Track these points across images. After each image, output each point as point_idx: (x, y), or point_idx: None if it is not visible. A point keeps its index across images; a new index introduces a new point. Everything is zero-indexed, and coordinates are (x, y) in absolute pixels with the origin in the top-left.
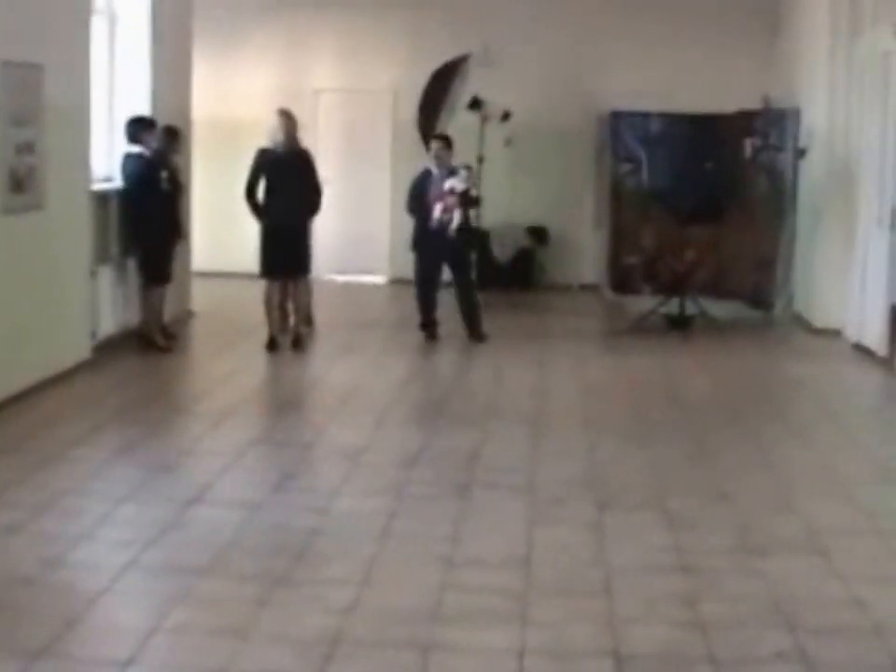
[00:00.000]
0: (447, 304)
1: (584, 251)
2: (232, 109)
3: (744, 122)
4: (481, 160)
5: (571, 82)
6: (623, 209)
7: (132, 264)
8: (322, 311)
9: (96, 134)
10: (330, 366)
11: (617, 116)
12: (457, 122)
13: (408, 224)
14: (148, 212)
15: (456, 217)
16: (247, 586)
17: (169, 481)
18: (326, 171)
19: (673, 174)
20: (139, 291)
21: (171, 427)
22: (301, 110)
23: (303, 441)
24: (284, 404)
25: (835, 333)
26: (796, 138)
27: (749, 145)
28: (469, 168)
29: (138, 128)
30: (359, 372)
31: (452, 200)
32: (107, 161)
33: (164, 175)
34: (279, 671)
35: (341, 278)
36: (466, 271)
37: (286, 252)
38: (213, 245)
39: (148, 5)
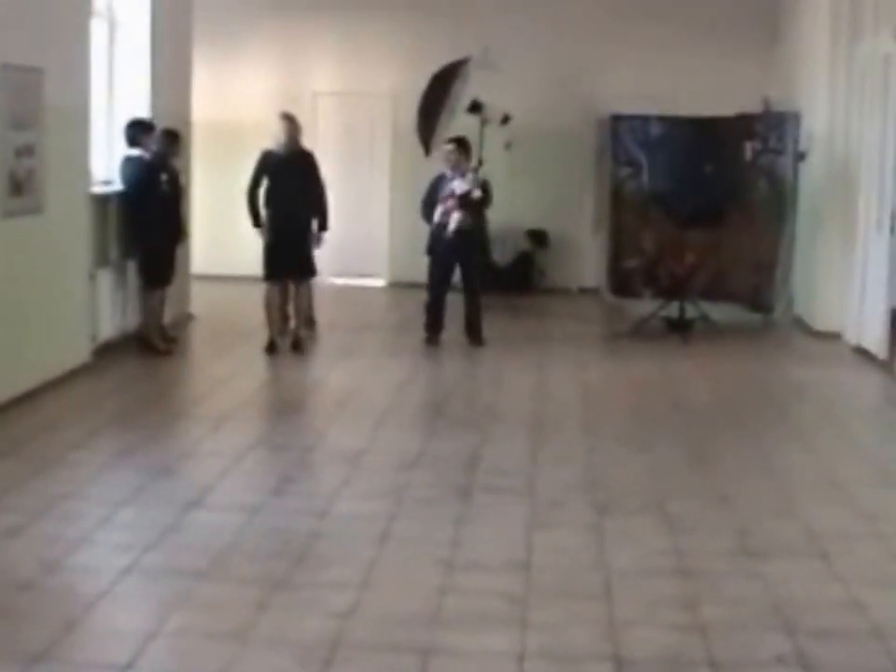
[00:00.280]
0: (448, 306)
1: (584, 254)
2: (232, 112)
3: (744, 125)
4: (480, 163)
5: (571, 85)
6: (622, 212)
7: (131, 267)
8: (322, 314)
9: (96, 137)
10: (330, 369)
11: (617, 119)
12: (457, 125)
13: (408, 227)
14: (148, 215)
15: (454, 220)
16: (247, 590)
17: (169, 484)
18: (325, 174)
19: (673, 177)
20: (139, 294)
21: (170, 430)
22: (301, 113)
23: (303, 444)
24: (283, 407)
25: (835, 336)
26: (796, 141)
27: (749, 148)
28: (475, 170)
29: (138, 131)
30: (359, 375)
31: (452, 202)
32: (107, 164)
33: (164, 177)
34: None
35: (340, 281)
36: (470, 274)
37: (289, 254)
38: (212, 248)
39: (148, 8)
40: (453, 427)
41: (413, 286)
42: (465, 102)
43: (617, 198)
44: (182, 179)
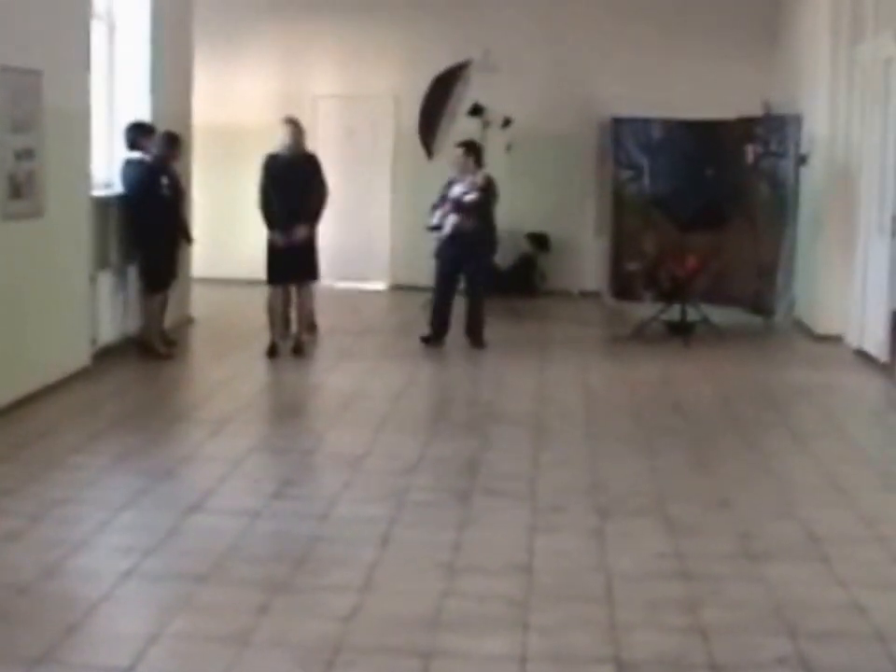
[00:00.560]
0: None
1: (585, 257)
2: (232, 115)
3: (745, 129)
4: (481, 166)
5: (572, 88)
6: (624, 215)
7: (132, 271)
8: (323, 317)
9: (96, 140)
10: (331, 372)
11: (618, 122)
12: (458, 129)
13: (409, 230)
14: (149, 218)
15: (449, 223)
16: (248, 593)
17: (169, 488)
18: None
19: (674, 180)
20: (139, 298)
21: (171, 433)
22: (302, 116)
23: (304, 447)
24: (284, 411)
25: (837, 340)
26: (797, 145)
27: (750, 151)
28: (474, 174)
29: (138, 134)
30: (360, 378)
31: (448, 206)
32: (107, 167)
33: (165, 181)
34: None
35: (341, 284)
36: (474, 276)
37: (292, 258)
38: (212, 251)
39: (148, 10)
40: (454, 431)
41: (414, 289)
42: (466, 105)
43: (618, 201)
44: (182, 182)
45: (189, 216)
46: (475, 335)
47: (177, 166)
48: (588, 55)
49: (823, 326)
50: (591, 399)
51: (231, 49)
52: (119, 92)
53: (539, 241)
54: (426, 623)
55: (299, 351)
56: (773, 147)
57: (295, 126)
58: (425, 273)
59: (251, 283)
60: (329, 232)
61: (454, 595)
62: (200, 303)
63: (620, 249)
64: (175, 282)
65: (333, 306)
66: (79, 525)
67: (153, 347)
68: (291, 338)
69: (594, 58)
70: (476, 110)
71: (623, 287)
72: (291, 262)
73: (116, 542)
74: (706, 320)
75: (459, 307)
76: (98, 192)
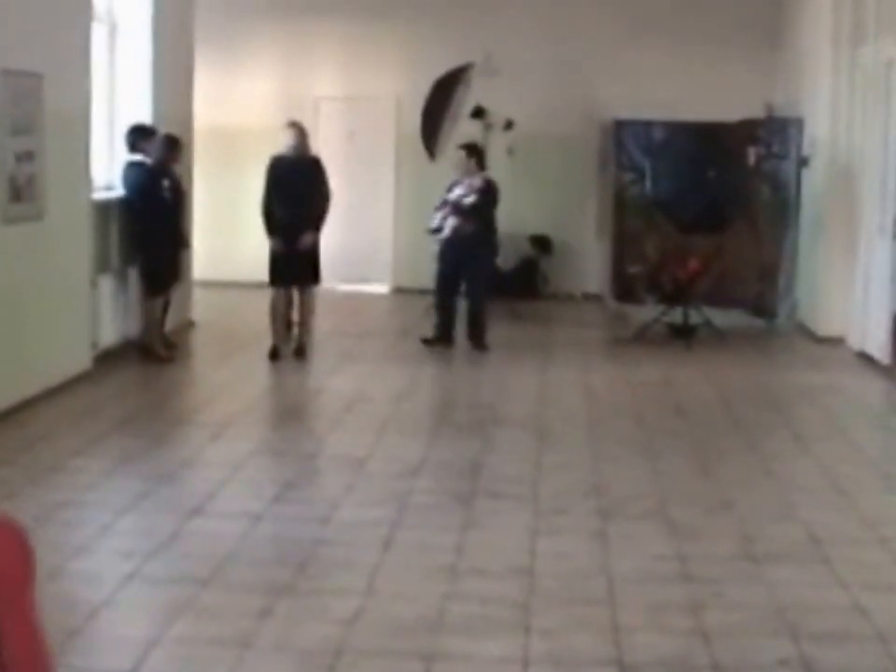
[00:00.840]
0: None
1: (587, 260)
2: (234, 117)
3: (747, 131)
4: (483, 169)
5: (574, 91)
6: (626, 218)
7: (133, 274)
8: (325, 320)
9: (97, 143)
10: (332, 375)
11: (620, 124)
12: (460, 131)
13: (411, 233)
14: (150, 221)
15: (448, 226)
16: (250, 596)
17: (170, 491)
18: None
19: (676, 182)
20: (140, 301)
21: (172, 437)
22: (303, 118)
23: (305, 450)
24: (285, 414)
25: (839, 342)
26: (799, 147)
27: (752, 153)
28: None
29: (139, 136)
30: (362, 381)
31: (447, 209)
32: (108, 169)
33: (166, 184)
34: None
35: (343, 287)
36: (474, 279)
37: (295, 261)
38: (213, 254)
39: (149, 12)
40: (456, 433)
41: (416, 291)
42: (468, 107)
43: (620, 203)
44: (183, 185)
45: (188, 220)
46: (477, 338)
47: (178, 169)
48: (590, 57)
49: (825, 328)
50: (593, 402)
51: (233, 50)
52: (119, 95)
53: (541, 243)
54: (428, 626)
55: (301, 354)
56: (775, 149)
57: (298, 128)
58: (427, 275)
59: (252, 286)
60: (331, 235)
61: (456, 597)
62: (201, 306)
63: (622, 252)
64: (178, 285)
65: (335, 309)
66: (81, 529)
67: (154, 350)
68: (293, 340)
69: (595, 60)
70: (478, 112)
71: (624, 289)
72: (293, 265)
73: (117, 546)
74: (707, 323)
75: (462, 310)
76: (99, 195)
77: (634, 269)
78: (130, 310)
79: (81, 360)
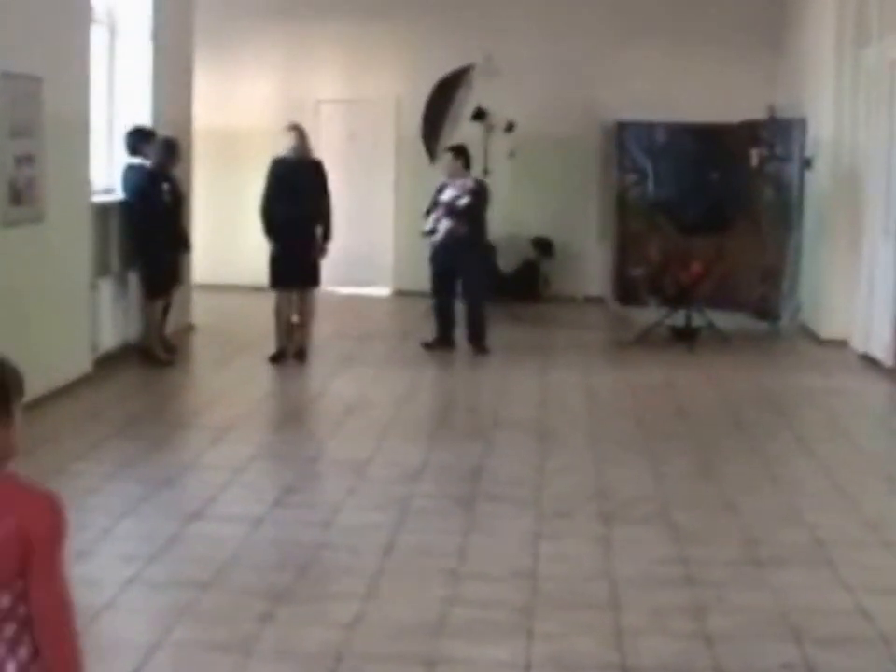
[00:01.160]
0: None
1: (589, 263)
2: (234, 120)
3: (750, 132)
4: (485, 171)
5: (576, 92)
6: (628, 220)
7: (133, 277)
8: (326, 323)
9: (96, 146)
10: (333, 378)
11: (622, 126)
12: (461, 133)
13: (412, 235)
14: (149, 224)
15: (442, 228)
16: (251, 601)
17: (171, 495)
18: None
19: (679, 184)
20: (140, 304)
21: (172, 440)
22: (304, 120)
23: (306, 454)
24: (286, 417)
25: (842, 344)
26: (802, 148)
27: (755, 155)
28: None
29: (139, 139)
30: (363, 385)
31: (441, 211)
32: (108, 172)
33: (166, 186)
34: None
35: (344, 290)
36: (470, 281)
37: (296, 263)
38: (213, 258)
39: (149, 15)
40: (457, 437)
41: (417, 294)
42: (469, 109)
43: (622, 206)
44: (183, 188)
45: (187, 223)
46: (477, 341)
47: (177, 172)
48: (591, 58)
49: (828, 330)
50: (595, 405)
51: (233, 53)
52: (119, 97)
53: (543, 246)
54: (430, 631)
55: (301, 356)
56: (778, 150)
57: (299, 131)
58: (428, 278)
59: (252, 289)
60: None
61: (458, 601)
62: (201, 309)
63: (624, 254)
64: (178, 288)
65: (336, 312)
66: (82, 533)
67: (154, 354)
68: (294, 343)
69: (597, 61)
70: (479, 114)
71: (627, 292)
72: (294, 268)
73: (118, 550)
74: (710, 325)
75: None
76: (98, 198)
77: (636, 271)
78: (130, 313)
79: (81, 364)
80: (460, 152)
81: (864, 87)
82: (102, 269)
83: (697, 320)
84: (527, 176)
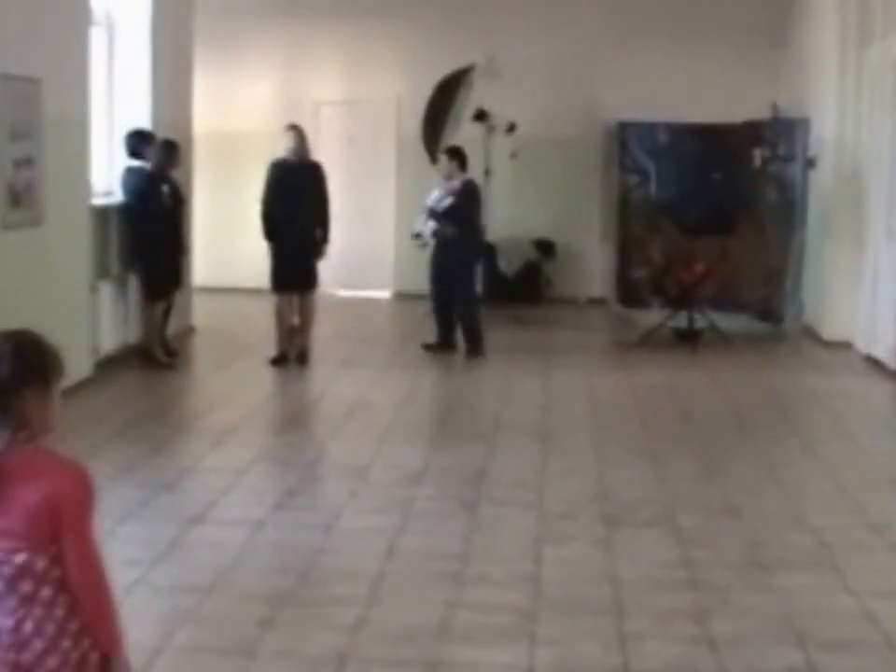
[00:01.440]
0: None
1: (591, 264)
2: (233, 122)
3: (752, 132)
4: (487, 172)
5: (577, 93)
6: (630, 221)
7: (133, 280)
8: (327, 325)
9: (96, 148)
10: (334, 381)
11: (624, 127)
12: (462, 134)
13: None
14: (149, 227)
15: (429, 230)
16: (252, 605)
17: (172, 499)
18: (329, 183)
19: (681, 185)
20: (140, 307)
21: (173, 444)
22: (303, 122)
23: (307, 457)
24: (287, 420)
25: (845, 345)
26: (805, 148)
27: (757, 155)
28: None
29: (138, 141)
30: (364, 387)
31: (425, 214)
32: (107, 174)
33: (166, 189)
34: None
35: (344, 292)
36: (460, 285)
37: (295, 266)
38: (214, 260)
39: (149, 17)
40: (459, 439)
41: (418, 297)
42: (470, 110)
43: (624, 207)
44: (183, 190)
45: (186, 226)
46: (472, 343)
47: (176, 174)
48: (593, 59)
49: (832, 332)
50: (597, 407)
51: (232, 55)
52: (118, 99)
53: (545, 247)
54: (432, 634)
55: (302, 359)
56: (781, 150)
57: (298, 132)
58: (428, 280)
59: (253, 292)
60: (331, 240)
61: (460, 605)
62: (201, 312)
63: (626, 255)
64: (178, 290)
65: (337, 314)
66: None
67: (154, 356)
68: (295, 346)
69: (598, 62)
70: (480, 115)
71: (629, 293)
72: (294, 270)
73: (119, 554)
74: (713, 326)
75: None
76: (98, 200)
77: (638, 273)
78: (130, 316)
79: (81, 367)
80: (455, 153)
81: (868, 86)
82: (102, 272)
83: (700, 322)
84: (529, 177)
